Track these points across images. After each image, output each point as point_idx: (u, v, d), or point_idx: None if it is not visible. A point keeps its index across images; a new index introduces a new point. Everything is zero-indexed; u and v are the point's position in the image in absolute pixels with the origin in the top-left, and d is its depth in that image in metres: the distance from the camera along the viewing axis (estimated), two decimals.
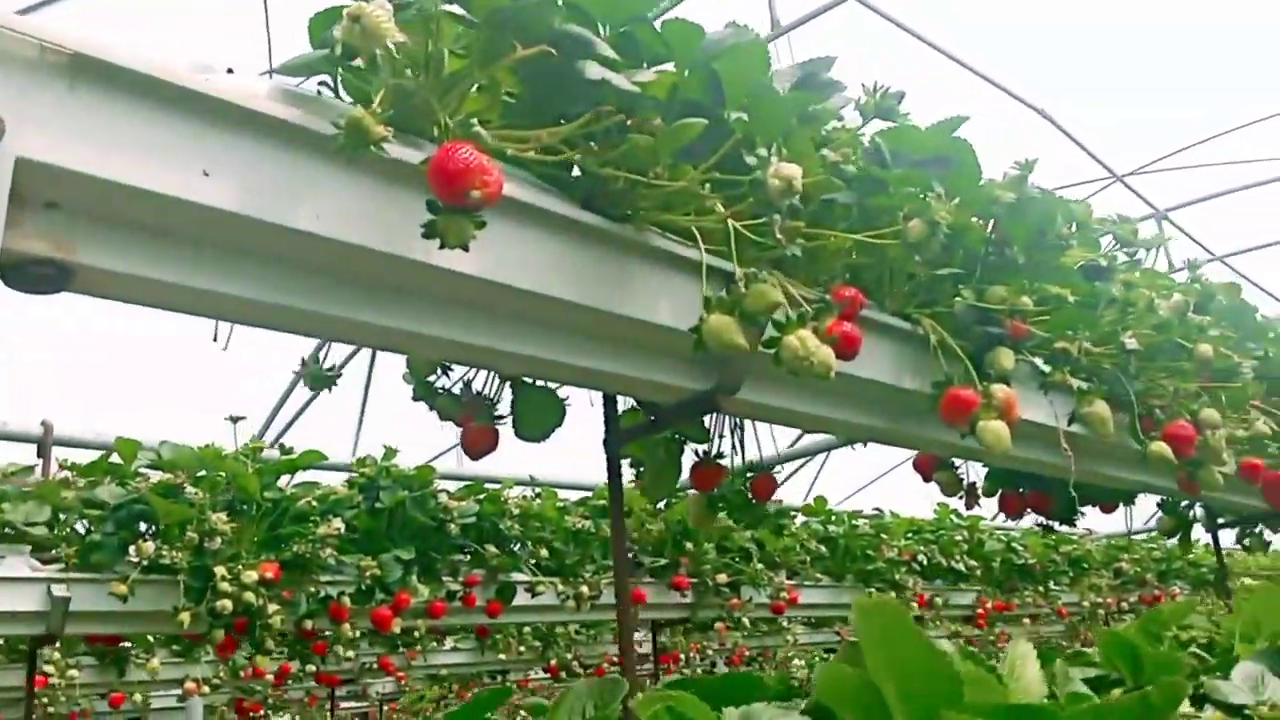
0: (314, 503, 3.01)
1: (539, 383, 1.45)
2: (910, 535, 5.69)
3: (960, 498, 2.39)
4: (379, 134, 0.89)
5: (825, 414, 1.66)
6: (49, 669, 4.33)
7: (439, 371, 1.42)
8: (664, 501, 4.42)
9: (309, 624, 3.04)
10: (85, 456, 3.08)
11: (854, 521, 5.39)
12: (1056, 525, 2.73)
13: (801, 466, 9.75)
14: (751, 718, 0.92)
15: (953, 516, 6.01)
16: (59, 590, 2.64)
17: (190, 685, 4.73)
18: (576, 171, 1.26)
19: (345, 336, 1.12)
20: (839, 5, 4.78)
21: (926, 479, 2.36)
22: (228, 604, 2.70)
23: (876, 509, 6.08)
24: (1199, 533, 3.89)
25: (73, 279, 0.85)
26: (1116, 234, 1.93)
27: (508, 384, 1.43)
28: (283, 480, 3.03)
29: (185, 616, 2.70)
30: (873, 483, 9.96)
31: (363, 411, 6.40)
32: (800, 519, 5.23)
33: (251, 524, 2.86)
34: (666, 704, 0.88)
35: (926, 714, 0.84)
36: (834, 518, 5.35)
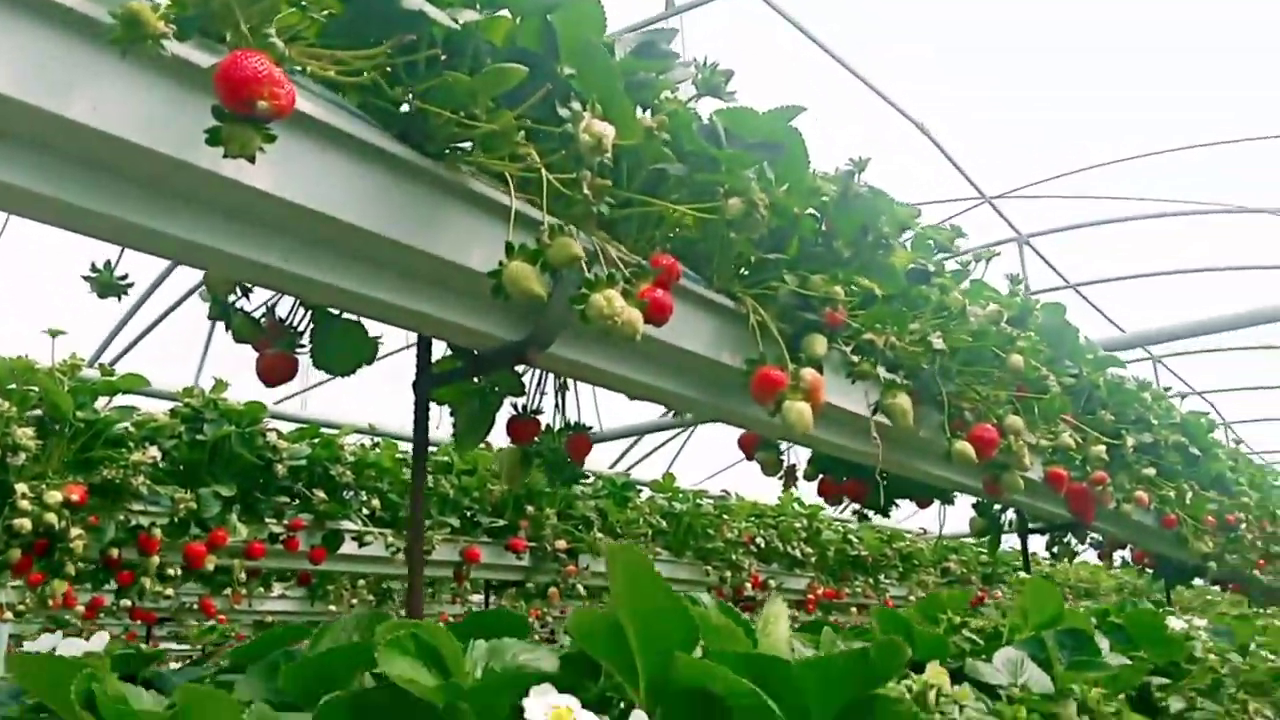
0: (131, 428, 2.89)
1: (347, 315, 1.42)
2: (752, 519, 5.85)
3: (780, 478, 2.46)
4: (157, 30, 0.86)
5: (642, 379, 1.68)
6: None
7: (239, 293, 1.38)
8: None
9: (115, 553, 2.92)
10: None
11: (699, 500, 5.51)
12: (871, 514, 2.85)
13: (665, 443, 9.90)
14: (499, 651, 0.93)
15: (795, 504, 6.20)
16: None
17: None
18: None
19: (125, 240, 1.08)
20: None
21: (749, 457, 2.42)
22: (26, 523, 2.58)
23: (724, 491, 6.23)
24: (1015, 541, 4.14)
25: None
26: (935, 239, 2.01)
27: (312, 314, 1.40)
28: (101, 403, 2.89)
29: None
30: (733, 466, 10.19)
31: (208, 341, 6.17)
32: (646, 493, 5.32)
33: (61, 443, 2.73)
34: (411, 631, 0.88)
35: (663, 656, 0.86)
36: (680, 495, 5.45)
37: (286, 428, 3.61)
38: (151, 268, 5.75)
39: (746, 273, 1.85)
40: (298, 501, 3.42)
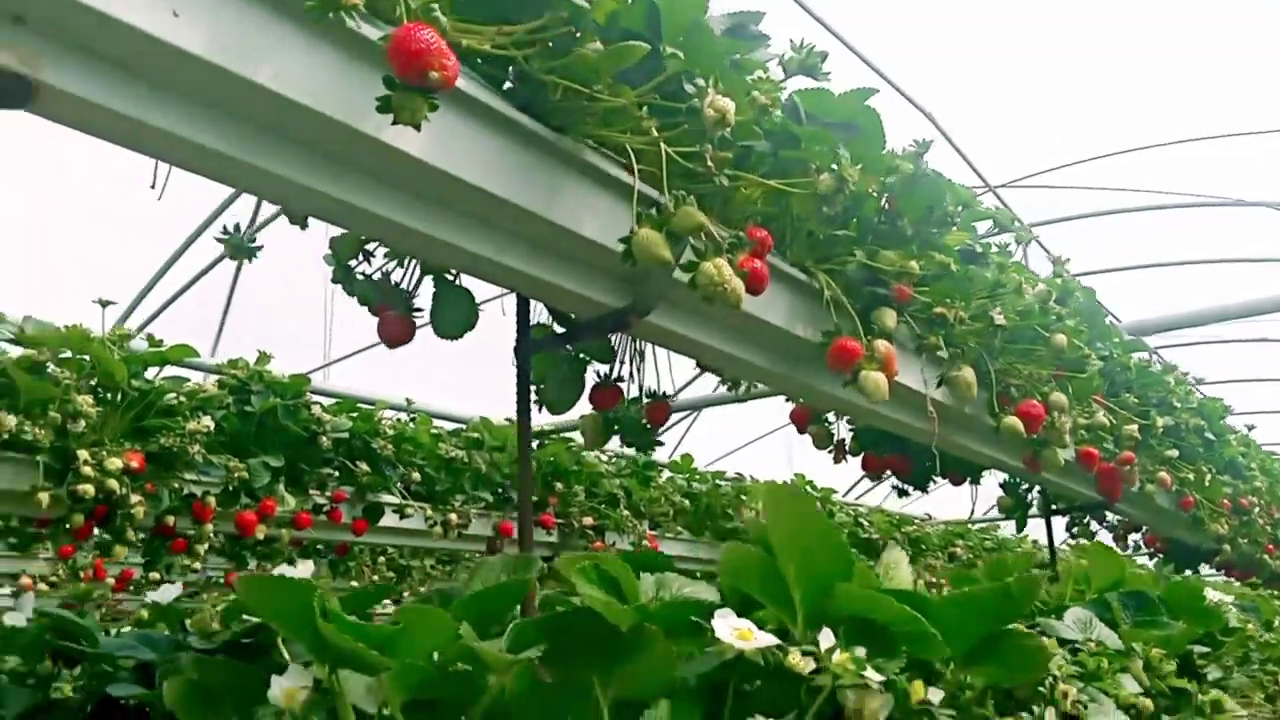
0: (182, 398, 2.95)
1: (458, 282, 1.49)
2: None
3: (829, 451, 2.54)
4: (349, 1, 0.92)
5: (726, 349, 1.74)
6: None
7: (360, 258, 1.45)
8: (536, 442, 4.50)
9: (170, 520, 2.99)
10: None
11: (717, 481, 5.58)
12: (911, 490, 2.93)
13: (671, 426, 9.98)
14: (665, 583, 1.00)
15: (808, 487, 6.27)
16: None
17: (26, 580, 4.57)
18: (509, 83, 1.30)
19: (289, 199, 1.14)
20: None
21: (801, 430, 2.50)
22: (89, 489, 2.64)
23: (738, 474, 6.31)
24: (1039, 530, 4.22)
25: (34, 97, 0.85)
26: (996, 218, 2.08)
27: (426, 279, 1.47)
28: (149, 373, 2.95)
29: (44, 497, 2.61)
30: (737, 450, 10.28)
31: (224, 316, 6.22)
32: (666, 474, 5.39)
33: (115, 412, 2.79)
34: (595, 562, 0.94)
35: (822, 591, 0.93)
36: (698, 476, 5.53)
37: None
38: (167, 243, 5.79)
39: (815, 248, 1.92)
40: (339, 473, 3.49)
